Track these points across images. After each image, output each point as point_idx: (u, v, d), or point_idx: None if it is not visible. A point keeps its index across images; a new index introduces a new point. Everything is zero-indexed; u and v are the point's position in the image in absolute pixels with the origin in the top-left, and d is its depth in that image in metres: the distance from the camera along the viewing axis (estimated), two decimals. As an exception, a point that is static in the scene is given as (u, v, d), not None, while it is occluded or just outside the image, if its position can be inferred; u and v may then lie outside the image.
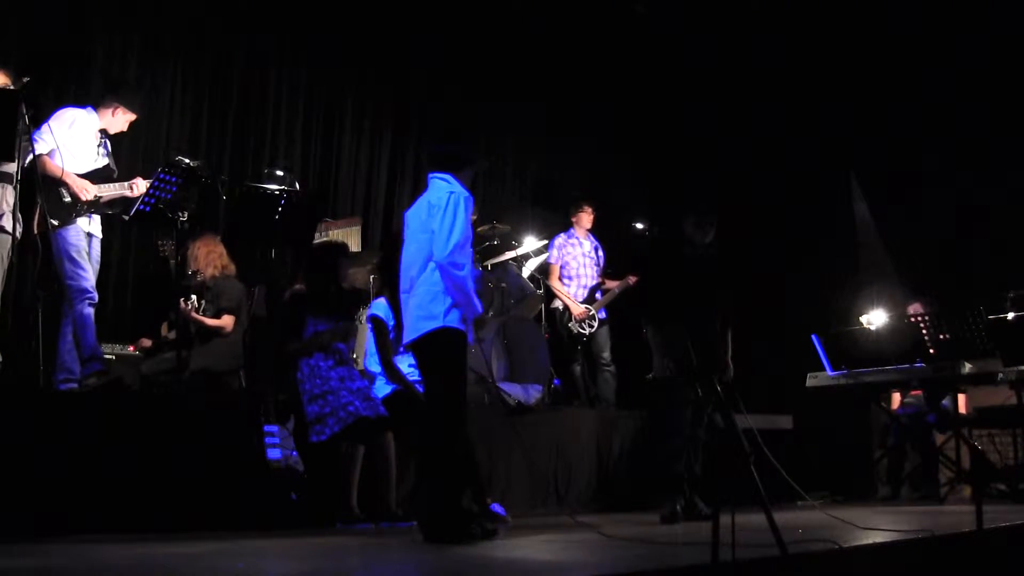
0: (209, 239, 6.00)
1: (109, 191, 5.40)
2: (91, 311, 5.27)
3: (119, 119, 5.54)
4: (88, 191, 5.28)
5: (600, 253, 7.83)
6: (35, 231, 5.18)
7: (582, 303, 7.50)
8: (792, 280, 8.76)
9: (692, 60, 9.28)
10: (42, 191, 5.15)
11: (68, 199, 5.25)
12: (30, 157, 5.06)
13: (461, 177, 4.19)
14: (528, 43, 8.80)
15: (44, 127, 5.22)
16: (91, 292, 5.28)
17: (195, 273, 5.91)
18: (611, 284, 7.68)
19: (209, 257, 5.95)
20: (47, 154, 5.20)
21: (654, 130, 9.53)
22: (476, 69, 8.66)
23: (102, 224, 5.57)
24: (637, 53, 9.20)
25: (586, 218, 7.79)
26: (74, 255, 5.27)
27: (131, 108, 5.57)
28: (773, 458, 4.04)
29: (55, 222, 5.19)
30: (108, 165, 5.52)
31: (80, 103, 5.59)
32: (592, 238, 7.84)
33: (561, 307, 7.53)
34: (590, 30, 8.94)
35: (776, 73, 9.04)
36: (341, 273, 5.35)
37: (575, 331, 7.43)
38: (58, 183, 5.20)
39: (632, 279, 7.40)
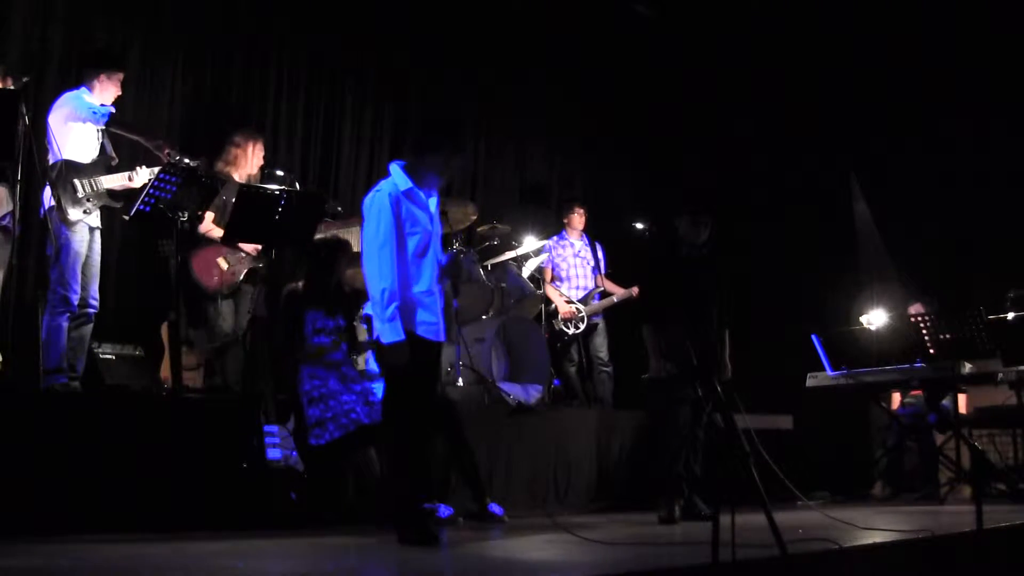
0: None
1: (113, 183, 5.41)
2: (66, 325, 5.22)
3: (110, 85, 5.52)
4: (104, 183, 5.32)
5: (600, 253, 7.84)
6: (50, 227, 5.19)
7: (575, 303, 7.51)
8: (792, 280, 8.76)
9: (693, 60, 9.28)
10: (57, 187, 5.17)
11: (81, 193, 5.26)
12: (53, 158, 5.14)
13: (417, 166, 4.05)
14: (528, 43, 8.80)
15: (57, 122, 5.24)
16: (73, 306, 5.24)
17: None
18: (614, 289, 7.68)
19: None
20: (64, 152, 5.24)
21: (654, 130, 9.53)
22: (476, 69, 8.66)
23: (100, 217, 5.55)
24: (638, 53, 9.20)
25: (577, 219, 7.81)
26: (73, 261, 5.23)
27: (117, 66, 5.55)
28: (770, 459, 4.04)
29: (69, 216, 5.19)
30: (106, 152, 5.51)
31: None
32: (586, 238, 7.85)
33: (552, 307, 7.56)
34: (591, 30, 8.95)
35: (776, 73, 9.04)
36: (340, 270, 5.36)
37: (557, 328, 7.46)
38: (73, 178, 5.23)
39: (636, 291, 7.39)
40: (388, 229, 3.89)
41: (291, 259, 6.68)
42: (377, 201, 3.95)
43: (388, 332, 3.85)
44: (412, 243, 3.95)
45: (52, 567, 3.16)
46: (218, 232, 5.85)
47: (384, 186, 4.01)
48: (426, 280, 3.98)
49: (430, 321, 3.99)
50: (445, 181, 4.16)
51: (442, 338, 4.11)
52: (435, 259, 4.05)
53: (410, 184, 4.00)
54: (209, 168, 5.69)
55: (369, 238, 3.94)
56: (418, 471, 3.96)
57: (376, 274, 3.88)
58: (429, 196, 4.10)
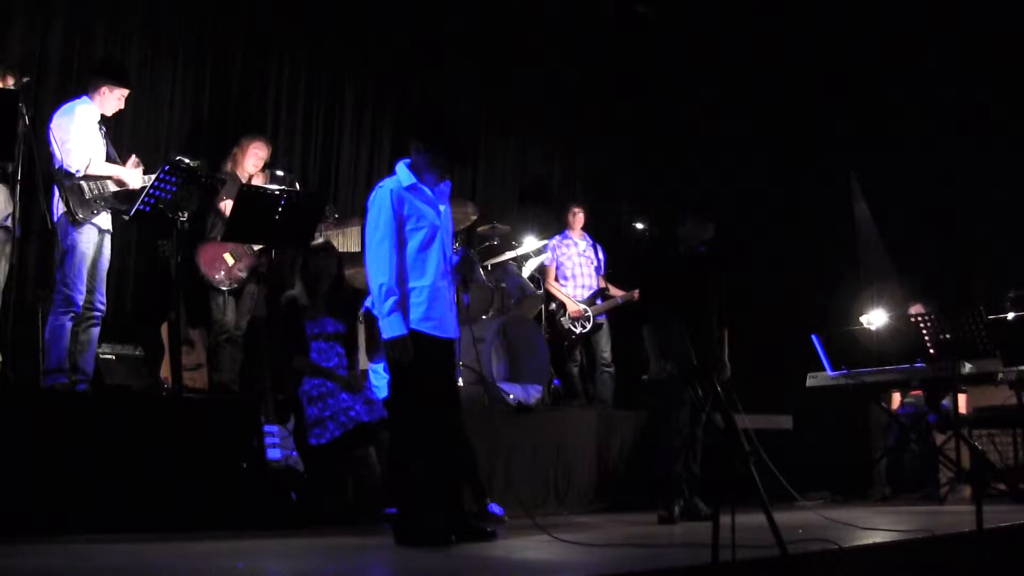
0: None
1: (118, 186, 5.43)
2: (69, 325, 5.23)
3: (112, 98, 5.53)
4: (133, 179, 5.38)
5: (600, 254, 7.84)
6: (50, 225, 5.19)
7: (581, 303, 7.51)
8: (792, 280, 8.76)
9: (693, 60, 9.28)
10: (65, 189, 5.19)
11: (88, 195, 5.26)
12: (57, 164, 5.16)
13: (417, 163, 4.01)
14: (528, 42, 8.80)
15: (57, 131, 5.23)
16: (77, 306, 5.25)
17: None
18: (616, 292, 7.68)
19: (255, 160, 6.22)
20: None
21: (654, 130, 9.53)
22: (476, 69, 8.66)
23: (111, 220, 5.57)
24: (638, 53, 9.21)
25: (578, 219, 7.80)
26: (79, 262, 5.24)
27: (121, 83, 5.56)
28: (769, 459, 4.04)
29: (78, 217, 5.20)
30: (110, 156, 5.52)
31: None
32: (588, 238, 7.85)
33: (555, 305, 7.55)
34: (590, 29, 8.95)
35: (777, 73, 9.04)
36: (329, 274, 5.35)
37: (566, 327, 7.45)
38: (80, 180, 5.24)
39: (637, 294, 7.36)
40: (387, 224, 3.89)
41: (291, 260, 6.68)
42: (378, 197, 3.96)
43: (388, 327, 3.84)
44: (416, 239, 3.93)
45: (52, 567, 3.16)
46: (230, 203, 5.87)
47: (386, 182, 4.01)
48: (431, 275, 3.94)
49: (434, 316, 3.95)
50: (443, 177, 4.12)
51: (451, 334, 4.06)
52: (442, 253, 4.01)
53: (414, 180, 3.99)
54: (209, 168, 5.69)
55: (368, 234, 3.94)
56: (422, 472, 3.92)
57: (374, 270, 3.88)
58: (440, 191, 4.08)
